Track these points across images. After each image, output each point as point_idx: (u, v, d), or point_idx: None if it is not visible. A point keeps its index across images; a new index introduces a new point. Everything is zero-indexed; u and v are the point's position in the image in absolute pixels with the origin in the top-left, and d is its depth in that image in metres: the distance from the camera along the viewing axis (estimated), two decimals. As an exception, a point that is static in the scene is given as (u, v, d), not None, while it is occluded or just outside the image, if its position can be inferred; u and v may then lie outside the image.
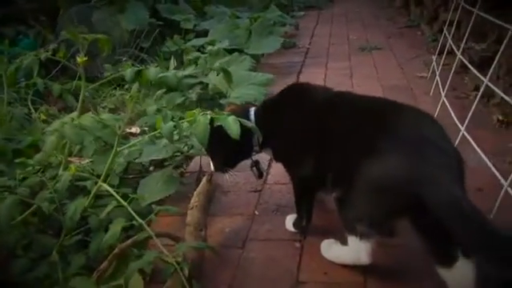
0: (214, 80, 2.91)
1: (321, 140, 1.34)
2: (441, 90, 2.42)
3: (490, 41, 2.67)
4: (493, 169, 1.63)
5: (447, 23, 2.94)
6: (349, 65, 3.56)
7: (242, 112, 1.53)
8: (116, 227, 1.29)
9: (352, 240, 1.27)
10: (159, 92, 1.81)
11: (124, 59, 3.56)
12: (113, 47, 4.32)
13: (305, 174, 1.42)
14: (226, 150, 1.49)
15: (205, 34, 4.22)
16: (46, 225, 1.57)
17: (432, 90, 2.70)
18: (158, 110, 1.48)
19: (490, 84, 1.85)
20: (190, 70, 2.16)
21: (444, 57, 2.94)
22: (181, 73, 1.97)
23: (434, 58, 3.08)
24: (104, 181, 1.81)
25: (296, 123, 1.44)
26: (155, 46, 4.30)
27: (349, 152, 1.26)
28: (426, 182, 1.08)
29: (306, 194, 1.49)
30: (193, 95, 2.20)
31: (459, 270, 1.14)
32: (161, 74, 1.76)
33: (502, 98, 2.44)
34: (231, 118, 1.40)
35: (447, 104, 2.25)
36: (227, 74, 2.13)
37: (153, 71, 1.80)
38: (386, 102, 1.40)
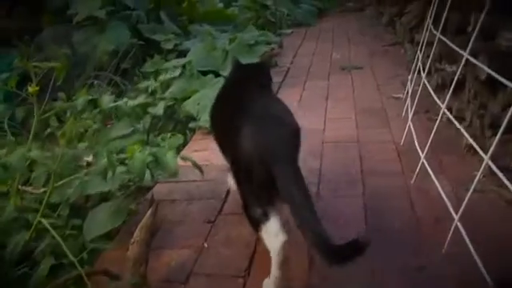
0: (186, 104, 2.89)
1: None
2: (409, 113, 2.38)
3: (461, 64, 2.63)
4: (446, 200, 1.58)
5: (420, 43, 2.92)
6: (327, 85, 3.53)
7: None
8: (45, 265, 1.25)
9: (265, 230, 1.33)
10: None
11: (96, 82, 3.53)
12: (92, 68, 4.34)
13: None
14: None
15: (187, 53, 4.21)
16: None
17: (404, 113, 2.66)
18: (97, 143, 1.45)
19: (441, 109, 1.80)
20: (141, 99, 2.13)
21: (418, 76, 2.90)
22: (131, 102, 1.93)
23: (409, 77, 3.04)
24: (54, 211, 1.77)
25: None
26: (136, 66, 4.28)
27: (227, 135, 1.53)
28: (271, 159, 1.29)
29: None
30: (140, 126, 2.16)
31: None
32: (111, 104, 1.73)
33: (471, 121, 2.43)
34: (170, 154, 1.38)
35: (412, 129, 2.21)
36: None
37: (106, 100, 1.77)
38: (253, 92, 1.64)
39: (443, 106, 1.81)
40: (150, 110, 2.69)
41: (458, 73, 1.78)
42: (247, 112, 1.46)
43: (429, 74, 3.32)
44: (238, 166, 1.44)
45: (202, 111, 2.80)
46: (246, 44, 3.74)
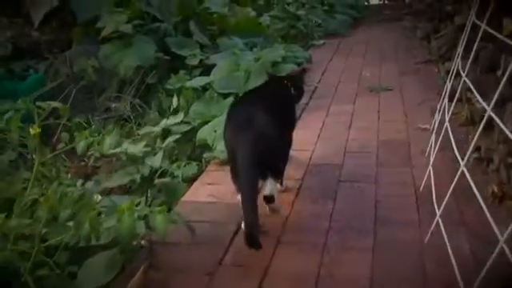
0: (202, 131, 2.83)
1: None
2: (431, 155, 2.23)
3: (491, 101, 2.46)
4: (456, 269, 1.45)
5: (450, 73, 2.75)
6: (352, 109, 3.40)
7: None
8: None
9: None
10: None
11: (114, 106, 3.52)
12: (116, 84, 4.35)
13: None
14: None
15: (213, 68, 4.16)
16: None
17: (428, 149, 2.51)
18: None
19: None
20: (141, 146, 2.06)
21: (451, 105, 2.74)
22: (132, 148, 1.88)
23: (438, 107, 2.88)
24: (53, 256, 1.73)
25: None
26: (162, 81, 4.26)
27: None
28: (236, 150, 1.84)
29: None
30: (138, 176, 2.09)
31: None
32: (111, 151, 1.68)
33: (499, 164, 2.26)
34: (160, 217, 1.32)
35: (431, 175, 2.07)
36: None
37: (107, 144, 1.72)
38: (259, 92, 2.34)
39: (470, 147, 1.66)
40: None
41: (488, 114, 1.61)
42: (234, 114, 2.04)
43: (460, 101, 3.15)
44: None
45: (217, 140, 2.73)
46: (272, 63, 3.63)
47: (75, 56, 4.67)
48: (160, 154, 2.13)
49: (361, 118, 3.20)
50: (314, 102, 3.69)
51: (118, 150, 1.71)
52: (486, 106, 1.61)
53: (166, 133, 3.02)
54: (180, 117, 3.22)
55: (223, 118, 2.91)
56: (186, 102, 3.38)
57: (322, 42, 6.24)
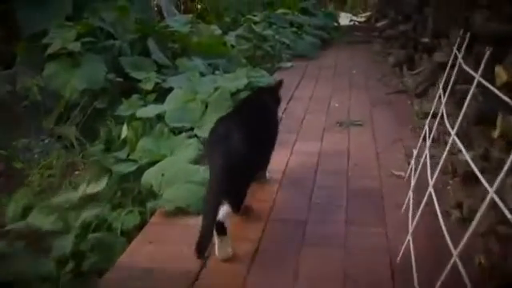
0: (148, 174, 2.46)
1: None
2: (409, 223, 1.91)
3: (477, 153, 2.19)
4: None
5: (429, 116, 2.47)
6: (319, 148, 3.08)
7: None
8: None
9: None
10: None
11: (47, 141, 3.11)
12: (61, 108, 3.93)
13: None
14: None
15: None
16: None
17: (404, 205, 2.21)
18: None
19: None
20: (53, 218, 1.68)
21: (428, 146, 2.46)
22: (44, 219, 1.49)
23: (415, 153, 2.60)
24: None
25: None
26: (114, 106, 3.86)
27: None
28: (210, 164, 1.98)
29: None
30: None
31: None
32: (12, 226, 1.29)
33: (488, 230, 1.97)
34: None
35: (411, 243, 1.76)
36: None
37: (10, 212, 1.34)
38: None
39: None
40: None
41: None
42: (215, 129, 2.13)
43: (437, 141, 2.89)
44: None
45: (166, 186, 2.36)
46: (232, 93, 3.29)
47: (19, 73, 4.25)
48: (71, 236, 1.73)
49: (329, 160, 2.88)
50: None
51: (21, 224, 1.32)
52: (476, 170, 1.31)
53: (107, 171, 2.64)
54: (125, 152, 2.86)
55: (173, 158, 2.57)
56: (135, 135, 3.00)
57: (289, 64, 5.95)
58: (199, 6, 8.67)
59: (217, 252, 1.86)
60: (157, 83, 4.00)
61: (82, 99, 3.86)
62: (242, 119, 2.15)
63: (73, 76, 3.71)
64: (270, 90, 2.65)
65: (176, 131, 2.89)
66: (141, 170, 2.59)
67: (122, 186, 2.55)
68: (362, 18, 11.43)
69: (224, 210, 1.85)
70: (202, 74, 4.40)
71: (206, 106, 3.05)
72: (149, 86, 3.78)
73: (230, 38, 5.88)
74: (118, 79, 3.98)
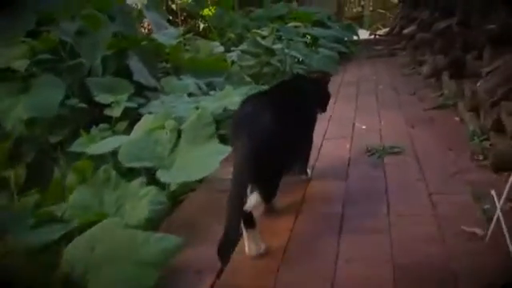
0: (73, 248, 1.54)
1: None
2: None
3: None
4: None
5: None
6: (343, 192, 2.12)
7: None
8: None
9: None
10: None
11: None
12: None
13: None
14: None
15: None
16: None
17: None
18: None
19: None
20: None
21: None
22: None
23: (494, 193, 1.64)
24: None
25: None
26: (75, 139, 2.97)
27: None
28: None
29: None
30: None
31: None
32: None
33: None
34: None
35: None
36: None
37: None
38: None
39: None
40: None
41: None
42: (244, 107, 1.85)
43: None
44: None
45: (95, 269, 1.43)
46: (206, 123, 2.28)
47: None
48: None
49: (358, 213, 1.92)
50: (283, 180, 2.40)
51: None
52: None
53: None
54: (62, 208, 1.97)
55: (115, 220, 1.65)
56: (80, 181, 2.10)
57: (302, 82, 5.02)
58: (202, 25, 7.87)
59: (247, 248, 1.59)
60: (132, 108, 3.12)
61: (34, 131, 3.00)
62: (276, 99, 1.91)
63: (18, 102, 2.84)
64: (313, 81, 2.33)
65: (129, 175, 1.98)
66: (69, 237, 1.68)
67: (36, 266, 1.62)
68: (382, 32, 10.56)
69: (253, 200, 1.62)
70: (192, 96, 3.53)
71: (179, 136, 2.13)
72: (116, 113, 2.88)
73: (232, 55, 5.01)
74: (81, 105, 3.10)
